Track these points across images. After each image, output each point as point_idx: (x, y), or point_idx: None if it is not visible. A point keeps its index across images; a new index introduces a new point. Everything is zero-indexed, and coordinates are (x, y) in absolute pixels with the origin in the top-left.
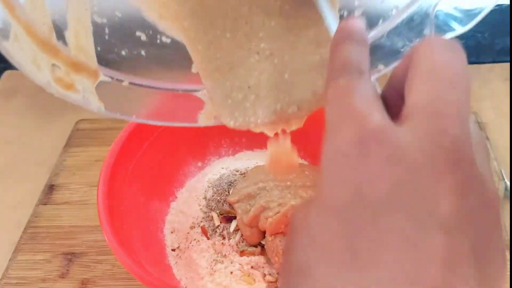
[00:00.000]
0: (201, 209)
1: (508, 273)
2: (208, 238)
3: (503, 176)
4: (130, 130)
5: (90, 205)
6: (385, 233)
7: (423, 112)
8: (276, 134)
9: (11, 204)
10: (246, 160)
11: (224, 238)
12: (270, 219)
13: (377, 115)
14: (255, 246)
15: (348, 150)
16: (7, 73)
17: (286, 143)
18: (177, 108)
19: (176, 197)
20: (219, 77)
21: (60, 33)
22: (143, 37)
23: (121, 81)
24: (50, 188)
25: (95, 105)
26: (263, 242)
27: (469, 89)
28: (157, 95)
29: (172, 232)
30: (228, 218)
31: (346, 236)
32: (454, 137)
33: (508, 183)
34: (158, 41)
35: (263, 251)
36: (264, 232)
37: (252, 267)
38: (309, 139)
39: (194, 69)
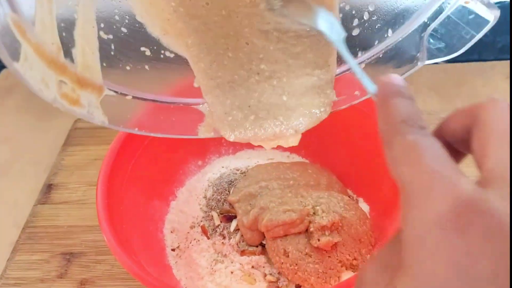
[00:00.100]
0: (201, 208)
1: None
2: (208, 238)
3: None
4: None
5: (89, 205)
6: None
7: (508, 179)
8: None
9: (9, 203)
10: (247, 159)
11: (224, 238)
12: (268, 222)
13: (466, 182)
14: (256, 245)
15: (444, 223)
16: (4, 71)
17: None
18: (178, 121)
19: (176, 197)
20: (220, 94)
21: (67, 51)
22: (148, 52)
23: (125, 95)
24: (49, 187)
25: (99, 119)
26: (263, 242)
27: None
28: (159, 108)
29: (172, 232)
30: (229, 217)
31: None
32: None
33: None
34: (162, 56)
35: (263, 251)
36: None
37: (252, 267)
38: (310, 139)
39: (196, 84)
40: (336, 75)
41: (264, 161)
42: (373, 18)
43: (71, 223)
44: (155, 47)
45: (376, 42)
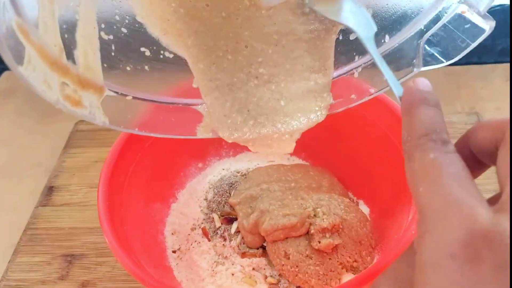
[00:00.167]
0: (202, 210)
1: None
2: (209, 240)
3: None
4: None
5: (90, 207)
6: None
7: None
8: None
9: (10, 206)
10: (247, 161)
11: (225, 240)
12: (268, 226)
13: (482, 210)
14: (257, 248)
15: (457, 251)
16: (5, 73)
17: None
18: (177, 121)
19: (177, 199)
20: (219, 96)
21: (69, 52)
22: (147, 53)
23: (125, 95)
24: (50, 189)
25: (100, 119)
26: (264, 244)
27: None
28: (158, 108)
29: (172, 234)
30: (229, 219)
31: None
32: None
33: None
34: (161, 56)
35: (264, 253)
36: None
37: (253, 269)
38: (310, 141)
39: (194, 84)
40: (333, 78)
41: (265, 164)
42: None
43: (72, 225)
44: (154, 48)
45: None
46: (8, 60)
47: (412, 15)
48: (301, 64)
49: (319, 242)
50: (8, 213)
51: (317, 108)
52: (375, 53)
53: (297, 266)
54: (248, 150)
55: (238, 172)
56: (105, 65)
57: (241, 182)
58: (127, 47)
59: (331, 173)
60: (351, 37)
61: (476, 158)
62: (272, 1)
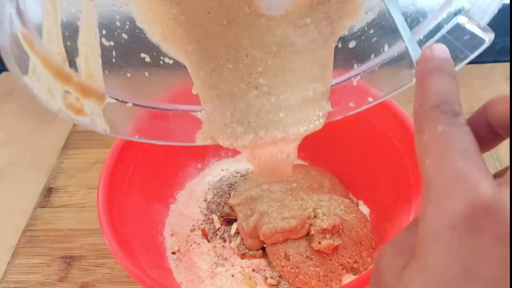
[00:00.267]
0: (201, 211)
1: None
2: (208, 241)
3: None
4: None
5: (89, 208)
6: None
7: None
8: None
9: (9, 207)
10: (246, 162)
11: (225, 241)
12: (267, 230)
13: (487, 184)
14: (257, 249)
15: (458, 223)
16: (4, 74)
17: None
18: (177, 128)
19: (176, 199)
20: (219, 105)
21: (71, 61)
22: (147, 59)
23: (126, 102)
24: (48, 191)
25: (101, 127)
26: (264, 245)
27: None
28: (158, 115)
29: (172, 235)
30: (229, 220)
31: None
32: None
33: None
34: (161, 62)
35: (264, 254)
36: None
37: (253, 270)
38: (309, 142)
39: (194, 91)
40: (332, 85)
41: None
42: (370, 32)
43: (71, 227)
44: (154, 53)
45: (372, 55)
46: (14, 70)
47: (412, 25)
48: (300, 75)
49: (319, 243)
50: (7, 215)
51: (315, 118)
52: (396, 13)
53: (297, 267)
54: None
55: (238, 173)
56: (106, 72)
57: (241, 183)
58: (128, 53)
59: (331, 173)
60: (350, 45)
61: (493, 130)
62: (271, 9)
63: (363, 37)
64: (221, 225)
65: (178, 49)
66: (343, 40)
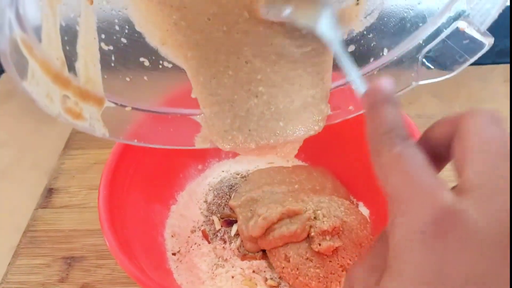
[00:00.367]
0: (201, 212)
1: None
2: (209, 242)
3: None
4: None
5: (90, 209)
6: None
7: (484, 189)
8: None
9: (10, 208)
10: (247, 163)
11: (225, 242)
12: (270, 237)
13: (446, 192)
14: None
15: (426, 228)
16: (4, 75)
17: None
18: (176, 131)
19: (176, 201)
20: (219, 111)
21: (70, 65)
22: (146, 63)
23: (124, 106)
24: (49, 191)
25: (100, 131)
26: None
27: None
28: (157, 119)
29: (172, 236)
30: (229, 222)
31: None
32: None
33: None
34: (160, 66)
35: (264, 255)
36: None
37: (253, 272)
38: (310, 143)
39: (193, 95)
40: (331, 89)
41: (264, 165)
42: (369, 36)
43: (72, 227)
44: (153, 57)
45: (371, 59)
46: (13, 75)
47: (411, 29)
48: (299, 84)
49: (320, 244)
50: (7, 215)
51: (315, 122)
52: (343, 55)
53: (297, 269)
54: None
55: (238, 174)
56: (105, 76)
57: (241, 184)
58: (127, 57)
59: (333, 175)
60: (349, 49)
61: (436, 154)
62: (269, 15)
63: (362, 41)
64: (222, 226)
65: (177, 53)
66: (342, 44)
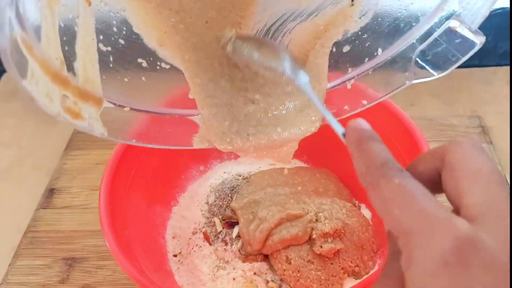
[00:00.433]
0: (203, 214)
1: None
2: (210, 244)
3: (507, 181)
4: None
5: (91, 209)
6: None
7: (491, 214)
8: None
9: (11, 208)
10: (248, 165)
11: (226, 244)
12: (269, 242)
13: (461, 221)
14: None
15: (449, 259)
16: (6, 75)
17: None
18: (174, 131)
19: (178, 202)
20: (217, 113)
21: (69, 65)
22: (144, 64)
23: (123, 107)
24: (50, 192)
25: (99, 131)
26: None
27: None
28: (155, 119)
29: (173, 238)
30: (231, 223)
31: None
32: None
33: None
34: (158, 67)
35: (266, 258)
36: None
37: (254, 273)
38: (311, 144)
39: (191, 95)
40: (327, 89)
41: (267, 167)
42: (363, 36)
43: (73, 228)
44: (151, 58)
45: (366, 59)
46: (13, 74)
47: (405, 29)
48: (294, 93)
49: (321, 247)
50: (9, 216)
51: (311, 123)
52: (311, 95)
53: (298, 271)
54: None
55: (240, 176)
56: (103, 76)
57: (243, 186)
58: (125, 58)
59: (336, 176)
60: (344, 50)
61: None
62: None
63: (357, 42)
64: (223, 228)
65: (175, 55)
66: (338, 44)
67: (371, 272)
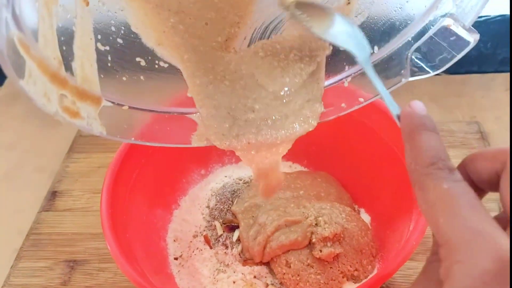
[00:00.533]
0: (204, 217)
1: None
2: (211, 247)
3: None
4: None
5: (93, 212)
6: None
7: None
8: None
9: (13, 210)
10: (249, 169)
11: (227, 248)
12: (267, 249)
13: (504, 238)
14: None
15: (488, 279)
16: (9, 79)
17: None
18: (172, 130)
19: (179, 205)
20: (217, 115)
21: (67, 65)
22: (143, 63)
23: (122, 105)
24: (53, 194)
25: (98, 130)
26: None
27: None
28: (154, 118)
29: (174, 241)
30: (231, 227)
31: None
32: None
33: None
34: (157, 66)
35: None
36: None
37: (254, 277)
38: (311, 149)
39: (189, 94)
40: (324, 87)
41: None
42: None
43: (75, 231)
44: (149, 57)
45: None
46: (10, 74)
47: (400, 27)
48: (294, 102)
49: (321, 251)
50: (11, 218)
51: (309, 120)
52: (371, 72)
53: (298, 275)
54: None
55: (241, 180)
56: (101, 75)
57: (244, 190)
58: (123, 58)
59: (336, 180)
60: (341, 48)
61: (474, 184)
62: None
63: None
64: (224, 231)
65: (173, 54)
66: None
67: (370, 276)
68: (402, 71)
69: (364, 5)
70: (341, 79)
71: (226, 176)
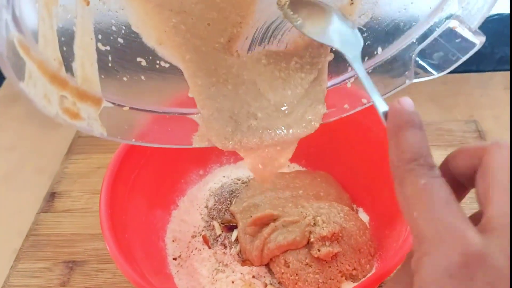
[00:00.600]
0: (202, 218)
1: None
2: (209, 247)
3: None
4: None
5: (92, 213)
6: None
7: (507, 230)
8: None
9: (12, 211)
10: (248, 168)
11: (225, 247)
12: (265, 251)
13: (473, 233)
14: None
15: (454, 271)
16: (8, 80)
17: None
18: (173, 130)
19: (178, 206)
20: (219, 118)
21: (67, 65)
22: (143, 63)
23: (122, 106)
24: (52, 195)
25: (98, 131)
26: None
27: None
28: (155, 118)
29: (173, 241)
30: (230, 227)
31: None
32: None
33: None
34: (157, 66)
35: None
36: None
37: (253, 277)
38: (310, 149)
39: (190, 94)
40: (327, 87)
41: None
42: (363, 35)
43: (74, 231)
44: (150, 57)
45: (366, 58)
46: (10, 76)
47: (404, 29)
48: (296, 112)
49: (319, 250)
50: (10, 219)
51: (312, 122)
52: (360, 70)
53: (296, 274)
54: None
55: (239, 180)
56: (102, 76)
57: (243, 190)
58: (124, 58)
59: (335, 180)
60: (331, 47)
61: (458, 181)
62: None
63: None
64: (222, 231)
65: (174, 54)
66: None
67: (369, 275)
68: (406, 73)
69: (367, 5)
70: (344, 80)
71: (224, 176)
